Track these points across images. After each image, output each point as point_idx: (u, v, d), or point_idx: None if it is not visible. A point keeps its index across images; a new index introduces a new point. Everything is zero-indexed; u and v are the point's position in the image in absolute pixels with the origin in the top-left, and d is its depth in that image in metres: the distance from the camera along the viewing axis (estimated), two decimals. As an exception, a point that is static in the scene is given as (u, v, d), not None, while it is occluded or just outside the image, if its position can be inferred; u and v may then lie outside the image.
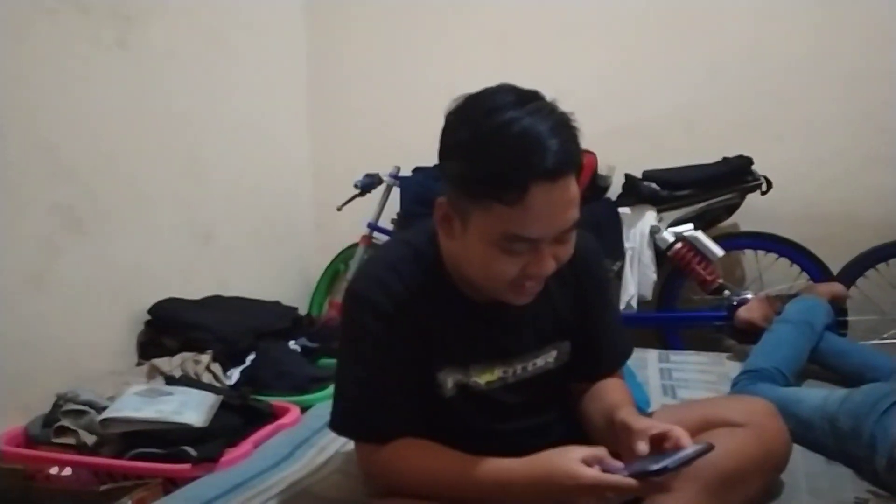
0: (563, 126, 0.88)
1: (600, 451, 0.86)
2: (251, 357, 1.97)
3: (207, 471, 1.40)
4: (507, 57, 2.70)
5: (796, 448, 1.28)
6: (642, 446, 0.86)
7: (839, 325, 2.11)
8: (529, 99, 0.90)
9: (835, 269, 2.27)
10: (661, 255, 2.33)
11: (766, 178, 2.28)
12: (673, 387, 1.77)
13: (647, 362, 1.96)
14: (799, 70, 2.42)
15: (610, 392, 1.11)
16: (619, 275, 2.34)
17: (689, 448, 0.84)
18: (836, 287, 2.00)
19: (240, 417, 1.63)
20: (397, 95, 2.89)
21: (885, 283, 2.29)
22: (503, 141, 0.86)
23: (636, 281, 2.33)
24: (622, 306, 2.31)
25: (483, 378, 1.06)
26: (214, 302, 2.23)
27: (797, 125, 2.45)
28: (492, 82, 0.94)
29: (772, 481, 1.16)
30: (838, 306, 2.03)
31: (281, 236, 2.87)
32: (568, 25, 2.64)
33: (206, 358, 1.88)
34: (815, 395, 1.42)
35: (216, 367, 1.87)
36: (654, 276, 2.34)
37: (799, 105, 2.44)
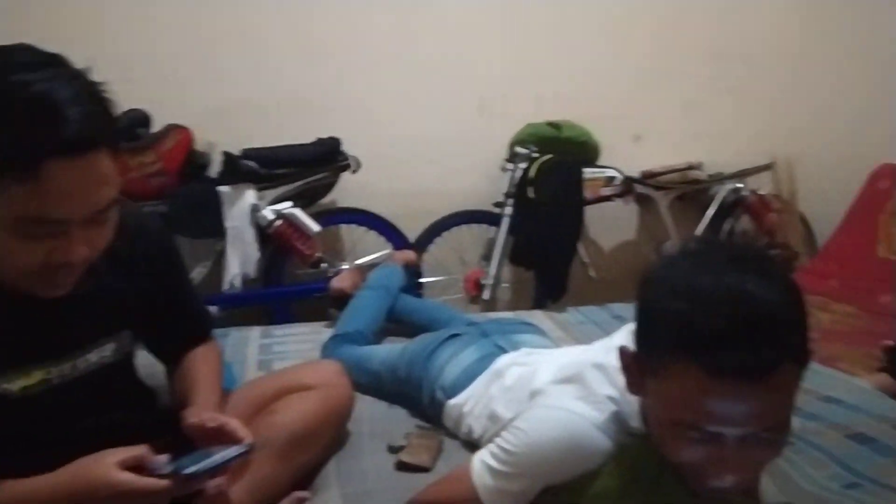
0: (90, 95, 0.81)
1: (141, 451, 0.84)
2: None
3: None
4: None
5: (365, 398, 1.46)
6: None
7: (416, 286, 2.47)
8: (49, 62, 0.80)
9: (413, 238, 2.64)
10: (263, 232, 2.37)
11: (355, 158, 2.50)
12: (270, 360, 1.82)
13: (248, 340, 1.97)
14: (386, 62, 2.68)
15: (192, 371, 1.11)
16: (221, 254, 2.31)
17: (232, 449, 0.89)
18: (409, 254, 2.32)
19: None
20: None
21: (450, 249, 2.76)
22: (11, 107, 0.76)
23: (239, 260, 2.33)
24: (225, 286, 2.29)
25: (17, 384, 0.93)
26: None
27: (386, 109, 2.69)
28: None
29: (339, 433, 1.30)
30: (414, 270, 2.36)
31: None
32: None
33: None
34: (383, 350, 1.63)
35: None
36: (257, 254, 2.37)
37: (388, 90, 2.69)
